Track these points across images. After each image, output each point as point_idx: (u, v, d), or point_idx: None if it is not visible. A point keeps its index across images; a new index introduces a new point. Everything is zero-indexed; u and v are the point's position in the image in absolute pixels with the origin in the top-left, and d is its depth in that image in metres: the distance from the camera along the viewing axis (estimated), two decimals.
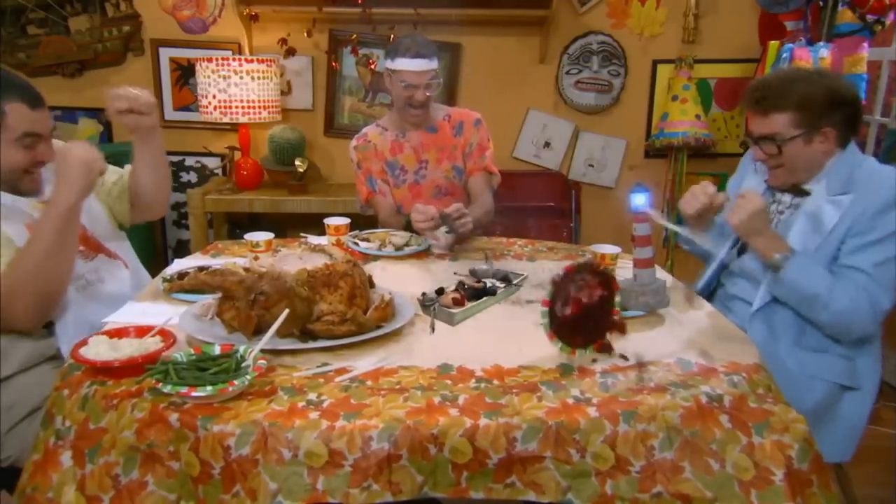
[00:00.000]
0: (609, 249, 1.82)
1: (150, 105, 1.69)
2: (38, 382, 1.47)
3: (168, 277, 1.63)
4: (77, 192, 1.47)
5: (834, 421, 1.60)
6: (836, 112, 1.58)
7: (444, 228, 1.90)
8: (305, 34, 3.38)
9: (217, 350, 1.18)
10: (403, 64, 2.12)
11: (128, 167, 1.85)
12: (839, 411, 1.61)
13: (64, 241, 1.46)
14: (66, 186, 1.46)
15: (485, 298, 1.54)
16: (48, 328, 1.55)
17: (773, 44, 2.98)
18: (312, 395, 1.09)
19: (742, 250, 1.78)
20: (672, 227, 1.56)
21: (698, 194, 1.65)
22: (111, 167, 1.81)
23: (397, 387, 1.13)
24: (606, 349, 1.27)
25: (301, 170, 3.17)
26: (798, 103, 1.57)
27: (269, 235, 1.96)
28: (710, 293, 1.86)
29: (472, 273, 1.73)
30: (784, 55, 2.86)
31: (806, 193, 1.66)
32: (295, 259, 1.43)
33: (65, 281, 1.49)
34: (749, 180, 1.84)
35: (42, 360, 1.54)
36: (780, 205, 1.74)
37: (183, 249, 3.59)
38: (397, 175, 2.30)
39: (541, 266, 1.87)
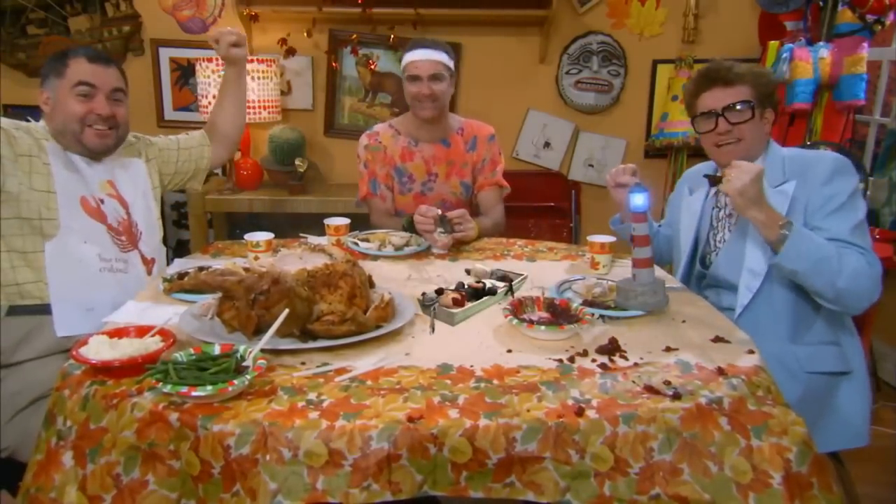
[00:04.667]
0: (603, 239, 1.82)
1: (245, 38, 2.02)
2: (45, 372, 1.47)
3: (168, 277, 1.63)
4: None
5: (836, 410, 1.61)
6: (773, 96, 1.71)
7: (439, 229, 1.93)
8: (305, 34, 3.38)
9: (217, 350, 1.18)
10: (409, 57, 2.16)
11: (182, 136, 2.07)
12: (839, 399, 1.62)
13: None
14: None
15: (485, 298, 1.54)
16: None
17: (773, 44, 2.98)
18: (312, 395, 1.09)
19: (704, 261, 1.79)
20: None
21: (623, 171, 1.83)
22: (163, 138, 2.00)
23: (397, 387, 1.13)
24: (613, 350, 1.27)
25: (301, 170, 3.17)
26: (753, 78, 1.68)
27: (269, 235, 1.96)
28: None
29: (469, 272, 1.74)
30: (784, 55, 2.86)
31: None
32: (295, 259, 1.43)
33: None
34: (686, 201, 1.87)
35: (59, 350, 1.55)
36: (726, 208, 1.76)
37: (183, 249, 3.59)
38: (404, 183, 2.30)
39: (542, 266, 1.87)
